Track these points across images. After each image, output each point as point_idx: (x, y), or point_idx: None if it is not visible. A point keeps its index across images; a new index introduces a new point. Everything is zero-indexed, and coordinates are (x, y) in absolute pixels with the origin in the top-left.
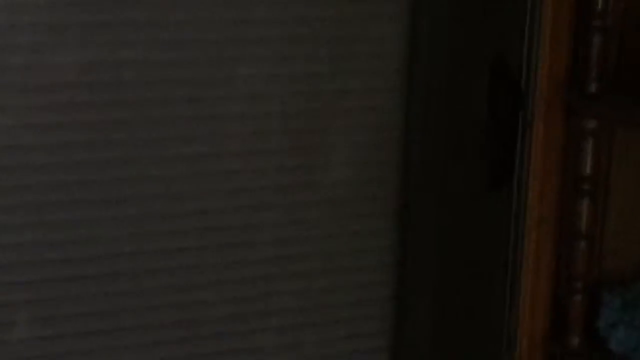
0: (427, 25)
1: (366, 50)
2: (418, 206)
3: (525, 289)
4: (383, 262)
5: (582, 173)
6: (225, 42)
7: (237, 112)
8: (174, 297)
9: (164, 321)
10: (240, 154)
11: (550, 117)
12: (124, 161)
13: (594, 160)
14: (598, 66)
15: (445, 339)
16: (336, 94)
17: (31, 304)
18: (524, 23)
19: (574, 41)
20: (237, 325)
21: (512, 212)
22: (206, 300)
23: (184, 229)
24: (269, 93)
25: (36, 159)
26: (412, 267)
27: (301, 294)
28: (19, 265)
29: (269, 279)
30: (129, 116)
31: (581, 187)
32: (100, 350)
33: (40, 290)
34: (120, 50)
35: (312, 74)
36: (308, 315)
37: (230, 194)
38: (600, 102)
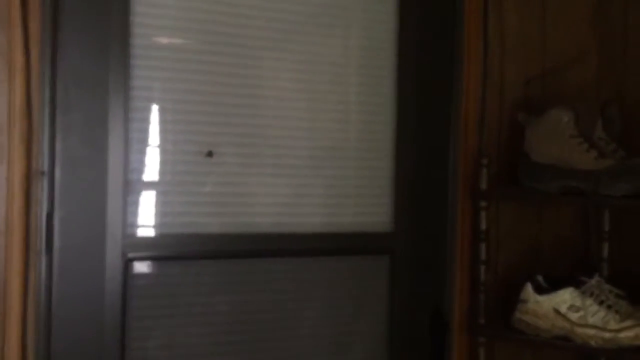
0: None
1: None
2: None
3: None
4: None
5: None
6: None
7: None
8: None
9: None
10: None
11: (461, 336)
12: None
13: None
14: (484, 309)
15: None
16: None
17: None
18: (444, 291)
19: (471, 295)
20: None
21: None
22: None
23: None
24: None
25: None
26: None
27: None
28: None
29: None
30: None
31: None
32: None
33: None
34: None
35: None
36: None
37: None
38: (486, 328)
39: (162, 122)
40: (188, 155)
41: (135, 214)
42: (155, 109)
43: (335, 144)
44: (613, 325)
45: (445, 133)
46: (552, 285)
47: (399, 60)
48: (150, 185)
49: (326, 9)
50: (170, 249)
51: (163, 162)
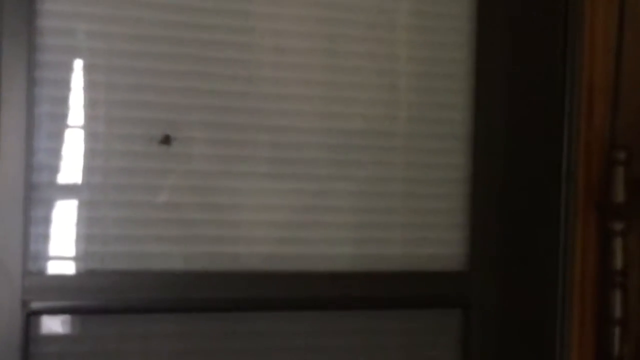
0: None
1: None
2: None
3: None
4: None
5: None
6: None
7: None
8: None
9: None
10: None
11: None
12: None
13: None
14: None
15: None
16: None
17: None
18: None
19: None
20: None
21: None
22: None
23: None
24: None
25: None
26: None
27: None
28: None
29: None
30: None
31: None
32: None
33: None
34: None
35: None
36: None
37: None
38: None
39: (90, 86)
40: (131, 142)
41: (42, 239)
42: (77, 65)
43: (374, 127)
44: None
45: (557, 112)
46: None
47: None
48: (68, 191)
49: None
50: (100, 297)
51: (90, 154)
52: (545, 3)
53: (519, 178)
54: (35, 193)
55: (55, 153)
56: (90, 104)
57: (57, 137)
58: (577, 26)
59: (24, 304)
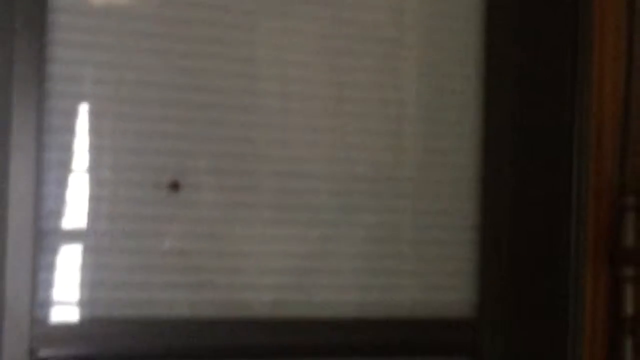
0: None
1: None
2: None
3: None
4: None
5: None
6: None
7: None
8: None
9: None
10: None
11: None
12: None
13: None
14: None
15: None
16: None
17: None
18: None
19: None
20: None
21: None
22: None
23: None
24: None
25: None
26: None
27: None
28: None
29: None
30: None
31: None
32: None
33: None
34: None
35: None
36: None
37: None
38: None
39: (98, 133)
40: (139, 189)
41: (49, 285)
42: (85, 110)
43: (381, 172)
44: None
45: (565, 153)
46: None
47: (488, 29)
48: (76, 238)
49: None
50: (107, 344)
51: (97, 200)
52: (553, 22)
53: (527, 225)
54: (43, 240)
55: (64, 199)
56: (99, 151)
57: (66, 184)
58: (586, 68)
59: (32, 352)
